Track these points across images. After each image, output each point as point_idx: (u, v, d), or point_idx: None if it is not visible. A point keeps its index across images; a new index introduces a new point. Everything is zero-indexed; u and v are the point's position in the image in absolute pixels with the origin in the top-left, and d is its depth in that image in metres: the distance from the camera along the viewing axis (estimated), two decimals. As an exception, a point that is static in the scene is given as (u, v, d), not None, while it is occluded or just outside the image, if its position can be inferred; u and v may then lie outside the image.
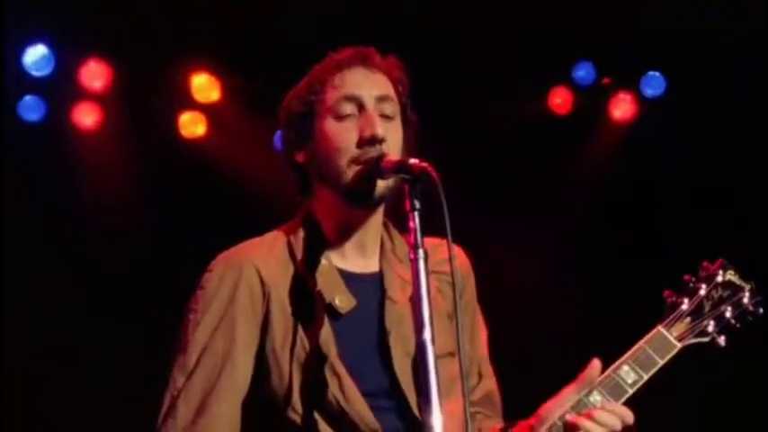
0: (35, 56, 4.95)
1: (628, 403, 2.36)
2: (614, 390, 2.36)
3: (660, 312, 2.49)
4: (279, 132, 2.50)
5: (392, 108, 2.37)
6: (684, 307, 2.48)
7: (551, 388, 2.38)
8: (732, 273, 2.54)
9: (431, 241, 2.16)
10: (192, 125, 5.25)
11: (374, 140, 2.30)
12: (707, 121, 5.25)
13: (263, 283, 2.31)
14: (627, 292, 4.94)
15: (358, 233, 2.39)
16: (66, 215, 5.07)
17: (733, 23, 4.96)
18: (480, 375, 2.50)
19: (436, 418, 2.01)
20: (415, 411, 2.27)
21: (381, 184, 2.31)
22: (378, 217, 2.41)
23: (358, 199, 2.34)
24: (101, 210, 5.10)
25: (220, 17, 4.84)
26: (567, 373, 2.39)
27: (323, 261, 2.35)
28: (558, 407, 2.33)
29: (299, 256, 2.35)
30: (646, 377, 2.39)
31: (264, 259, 2.34)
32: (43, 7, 4.74)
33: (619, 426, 2.31)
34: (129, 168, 5.12)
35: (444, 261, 2.19)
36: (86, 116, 5.09)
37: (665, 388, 2.51)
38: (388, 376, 2.30)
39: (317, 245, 2.37)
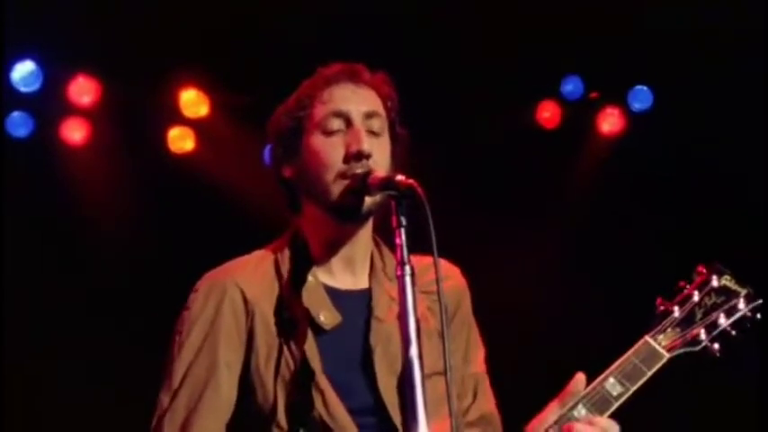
0: (23, 72, 4.96)
1: (615, 415, 2.34)
2: (599, 403, 2.33)
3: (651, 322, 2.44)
4: (268, 147, 2.51)
5: (380, 124, 2.38)
6: (675, 315, 2.42)
7: (550, 395, 2.38)
8: (728, 278, 2.47)
9: (423, 260, 2.16)
10: (180, 140, 5.25)
11: (360, 156, 2.31)
12: (694, 134, 5.28)
13: (246, 301, 2.33)
14: (615, 307, 4.95)
15: (346, 249, 2.39)
16: (54, 231, 5.05)
17: (720, 37, 4.99)
18: (476, 395, 2.47)
19: (423, 434, 2.01)
20: (399, 430, 2.27)
21: (368, 200, 2.32)
22: (366, 233, 2.42)
23: (345, 214, 2.35)
24: (90, 225, 5.10)
25: (209, 32, 4.85)
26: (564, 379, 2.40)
27: (309, 278, 2.35)
28: (543, 424, 2.33)
29: (285, 273, 2.36)
30: (632, 389, 2.34)
31: (249, 278, 2.35)
32: (31, 23, 4.74)
33: None
34: (117, 184, 5.12)
35: (432, 281, 2.16)
36: (75, 132, 5.10)
37: (656, 395, 2.47)
38: (372, 394, 2.30)
39: (303, 262, 2.37)
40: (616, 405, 2.34)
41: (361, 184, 2.29)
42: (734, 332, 2.43)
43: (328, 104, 2.35)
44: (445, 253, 2.17)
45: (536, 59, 5.22)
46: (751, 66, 4.97)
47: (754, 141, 5.12)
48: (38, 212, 5.01)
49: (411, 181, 2.15)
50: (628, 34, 5.06)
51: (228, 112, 5.23)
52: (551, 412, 2.33)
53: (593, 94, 5.51)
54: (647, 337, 2.39)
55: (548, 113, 5.51)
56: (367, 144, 2.32)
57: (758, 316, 2.43)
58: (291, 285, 2.34)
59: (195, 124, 5.25)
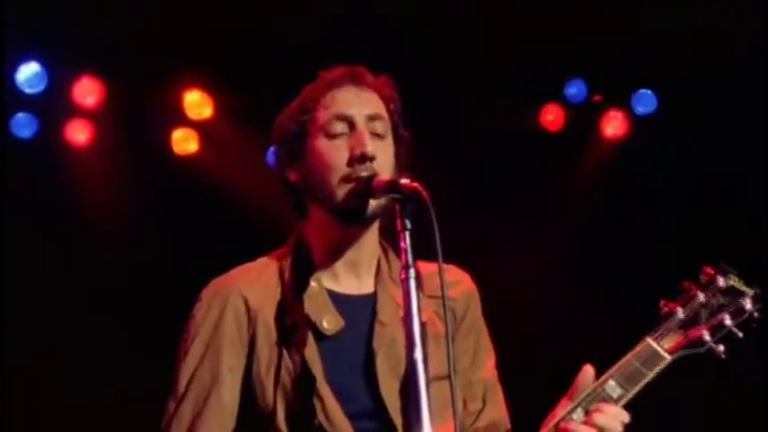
0: (28, 73, 4.95)
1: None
2: None
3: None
4: (272, 149, 2.51)
5: (383, 126, 2.38)
6: (679, 316, 2.38)
7: (551, 395, 2.37)
8: (734, 278, 2.42)
9: (432, 266, 2.16)
10: (184, 142, 5.25)
11: (364, 158, 2.31)
12: (698, 137, 5.28)
13: (248, 309, 2.35)
14: (617, 309, 4.91)
15: (351, 253, 2.39)
16: (58, 232, 5.05)
17: (725, 40, 4.98)
18: (485, 401, 2.46)
19: (427, 437, 2.01)
20: None
21: (373, 203, 2.32)
22: (371, 237, 2.42)
23: (349, 217, 2.35)
24: (93, 226, 5.09)
25: (213, 34, 4.84)
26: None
27: (312, 283, 2.36)
28: (553, 421, 2.29)
29: (288, 279, 2.37)
30: (632, 392, 2.31)
31: (252, 285, 2.37)
32: (36, 25, 4.74)
33: None
34: (121, 185, 5.12)
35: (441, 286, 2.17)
36: (79, 133, 5.10)
37: (661, 395, 2.45)
38: (374, 398, 2.30)
39: (307, 267, 2.38)
40: None
41: (365, 188, 2.30)
42: (740, 333, 2.38)
43: (331, 108, 2.36)
44: (448, 255, 2.15)
45: (540, 62, 5.22)
46: (755, 68, 4.97)
47: (758, 144, 5.12)
48: (41, 213, 5.01)
49: (416, 184, 2.16)
50: (632, 37, 5.06)
51: (232, 113, 5.23)
52: (562, 407, 2.30)
53: (597, 98, 5.52)
54: (648, 339, 2.35)
55: (551, 116, 5.52)
56: (371, 146, 2.32)
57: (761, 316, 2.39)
58: (294, 291, 2.35)
59: (199, 126, 5.25)
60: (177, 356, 2.37)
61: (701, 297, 2.39)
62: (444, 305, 2.09)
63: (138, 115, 5.11)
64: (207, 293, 2.38)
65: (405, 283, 2.09)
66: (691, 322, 2.38)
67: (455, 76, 5.17)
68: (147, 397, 2.45)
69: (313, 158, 2.36)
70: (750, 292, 2.40)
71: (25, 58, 4.93)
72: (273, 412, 2.28)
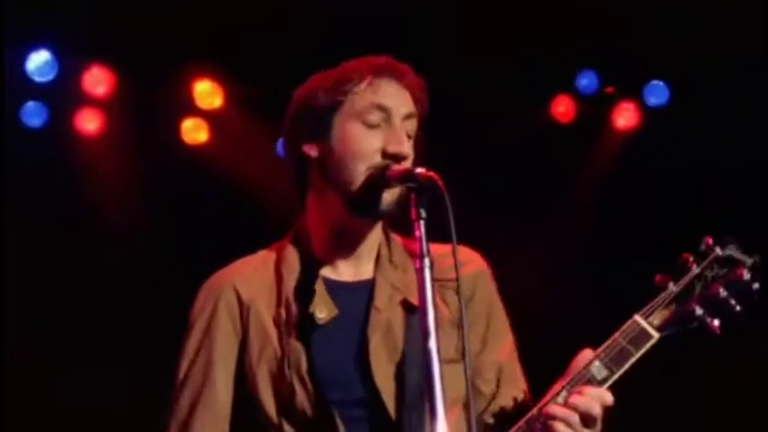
0: (38, 61, 4.94)
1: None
2: None
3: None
4: (282, 140, 2.48)
5: (413, 127, 2.38)
6: (671, 289, 2.23)
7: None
8: (733, 247, 2.26)
9: (438, 248, 2.13)
10: (194, 131, 5.25)
11: (398, 157, 2.30)
12: (711, 130, 5.23)
13: (240, 301, 2.37)
14: (630, 302, 4.92)
15: (353, 243, 2.39)
16: (68, 221, 5.04)
17: (738, 30, 4.93)
18: (499, 384, 2.42)
19: (441, 429, 1.99)
20: (393, 421, 2.26)
21: (387, 197, 2.30)
22: (377, 230, 2.41)
23: (361, 208, 2.33)
24: (103, 215, 5.07)
25: (223, 23, 4.81)
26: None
27: (309, 272, 2.36)
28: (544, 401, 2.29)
29: (285, 270, 2.38)
30: (618, 373, 2.21)
31: (247, 278, 2.39)
32: (46, 13, 4.73)
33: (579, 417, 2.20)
34: (131, 174, 5.11)
35: (448, 268, 2.16)
36: (89, 122, 5.09)
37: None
38: (366, 385, 2.29)
39: (304, 257, 2.38)
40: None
41: (379, 177, 2.28)
42: (737, 306, 2.20)
43: (373, 96, 2.33)
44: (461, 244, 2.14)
45: (551, 53, 5.18)
46: (770, 60, 4.94)
47: (774, 138, 5.10)
48: (51, 202, 4.99)
49: (432, 173, 2.15)
50: (644, 28, 5.02)
51: (243, 103, 5.20)
52: (551, 391, 2.28)
53: (609, 89, 5.48)
54: (636, 316, 2.24)
55: (562, 108, 5.49)
56: (407, 147, 2.32)
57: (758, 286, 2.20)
58: (290, 282, 2.36)
59: (209, 115, 5.24)
60: (178, 350, 2.43)
61: (696, 269, 2.23)
62: (459, 288, 2.09)
63: (149, 104, 5.09)
64: (202, 291, 2.42)
65: (420, 272, 2.08)
66: (683, 296, 2.23)
67: (462, 68, 5.10)
68: (148, 397, 2.52)
69: (343, 140, 2.32)
70: (749, 261, 2.24)
71: (35, 47, 4.92)
72: (264, 402, 2.31)
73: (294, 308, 2.32)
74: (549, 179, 5.38)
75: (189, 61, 5.10)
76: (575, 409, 2.20)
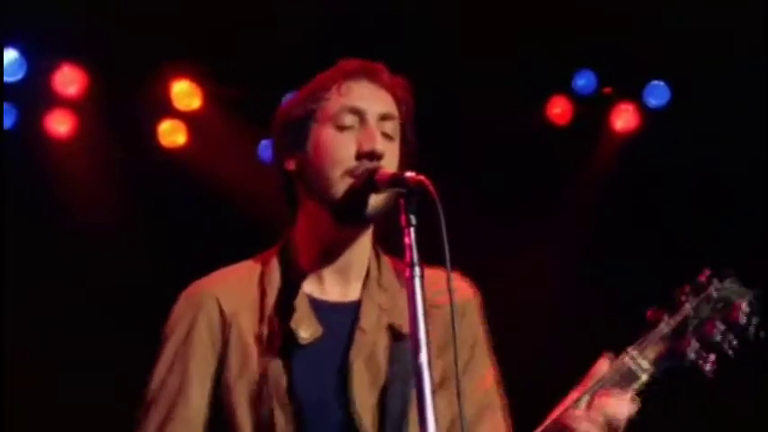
0: (6, 60, 4.90)
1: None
2: None
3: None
4: (263, 143, 2.51)
5: (393, 128, 2.37)
6: (663, 326, 2.24)
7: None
8: (731, 281, 2.25)
9: (429, 271, 2.11)
10: (171, 134, 5.23)
11: (373, 155, 2.30)
12: (713, 132, 5.23)
13: (222, 315, 2.34)
14: (625, 310, 4.93)
15: (342, 255, 2.37)
16: (39, 225, 5.02)
17: (741, 29, 4.94)
18: (479, 416, 2.39)
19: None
20: None
21: (373, 202, 2.29)
22: (365, 240, 2.39)
23: (347, 215, 2.32)
24: (76, 221, 5.06)
25: (202, 20, 4.78)
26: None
27: (294, 289, 2.35)
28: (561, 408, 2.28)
29: (269, 285, 2.36)
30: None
31: (230, 290, 2.36)
32: (14, 9, 4.71)
33: None
34: (105, 179, 5.09)
35: (440, 292, 2.14)
36: (60, 124, 5.06)
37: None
38: (346, 411, 2.28)
39: (290, 272, 2.37)
40: None
41: (367, 181, 2.27)
42: (731, 345, 2.21)
43: (344, 99, 2.34)
44: (450, 255, 2.12)
45: (546, 52, 5.17)
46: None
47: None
48: (20, 208, 4.96)
49: (422, 177, 2.13)
50: (644, 25, 5.00)
51: (222, 104, 5.19)
52: (570, 399, 2.26)
53: (607, 90, 5.47)
54: (629, 350, 2.24)
55: (558, 109, 5.48)
56: (381, 144, 2.31)
57: (755, 325, 2.19)
58: (274, 298, 2.34)
59: (187, 117, 5.22)
60: (153, 361, 2.40)
61: (692, 303, 2.24)
62: (452, 304, 2.06)
63: (123, 106, 5.07)
64: (181, 299, 2.39)
65: (410, 282, 2.07)
66: (676, 333, 2.24)
67: (455, 68, 5.13)
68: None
69: (317, 148, 2.34)
70: (746, 297, 2.23)
71: (3, 45, 4.88)
72: (240, 423, 2.29)
73: (277, 325, 2.30)
74: (544, 184, 5.38)
75: (166, 60, 5.08)
76: (601, 412, 2.21)
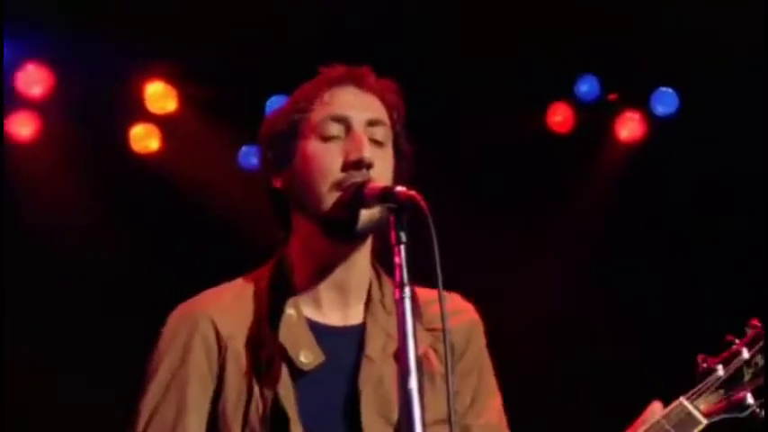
0: (-35, 59, 4.88)
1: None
2: None
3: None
4: (244, 149, 2.49)
5: (384, 134, 2.35)
6: (719, 374, 2.37)
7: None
8: None
9: (429, 293, 2.15)
10: (144, 139, 5.19)
11: (360, 164, 2.27)
12: (723, 142, 5.20)
13: (219, 338, 2.31)
14: (631, 327, 5.07)
15: (338, 274, 2.34)
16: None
17: (753, 35, 4.92)
18: None
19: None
20: None
21: (365, 215, 2.27)
22: (362, 257, 2.36)
23: (338, 230, 2.29)
24: (39, 230, 5.00)
25: (178, 16, 4.74)
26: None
27: (291, 311, 2.32)
28: None
29: (264, 306, 2.34)
30: None
31: (224, 311, 2.33)
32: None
33: None
34: (71, 186, 5.05)
35: (452, 313, 2.18)
36: (23, 126, 5.03)
37: None
38: None
39: (285, 293, 2.34)
40: None
41: (356, 195, 2.25)
42: None
43: (328, 107, 2.34)
44: (448, 269, 2.09)
45: (547, 55, 5.14)
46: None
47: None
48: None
49: (413, 192, 2.11)
50: (651, 29, 4.99)
51: (200, 107, 5.16)
52: None
53: (612, 96, 5.45)
54: (682, 399, 2.34)
55: (559, 117, 5.46)
56: (368, 152, 2.28)
57: None
58: (269, 319, 2.31)
59: (161, 121, 5.18)
60: (139, 388, 2.35)
61: (746, 354, 2.36)
62: (444, 331, 2.04)
63: (92, 108, 5.03)
64: (173, 319, 2.35)
65: (399, 303, 2.04)
66: (732, 382, 2.37)
67: (454, 73, 5.13)
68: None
69: (302, 161, 2.32)
70: None
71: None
72: None
73: (275, 350, 2.28)
74: (544, 196, 5.35)
75: (139, 59, 5.04)
76: None
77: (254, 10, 4.75)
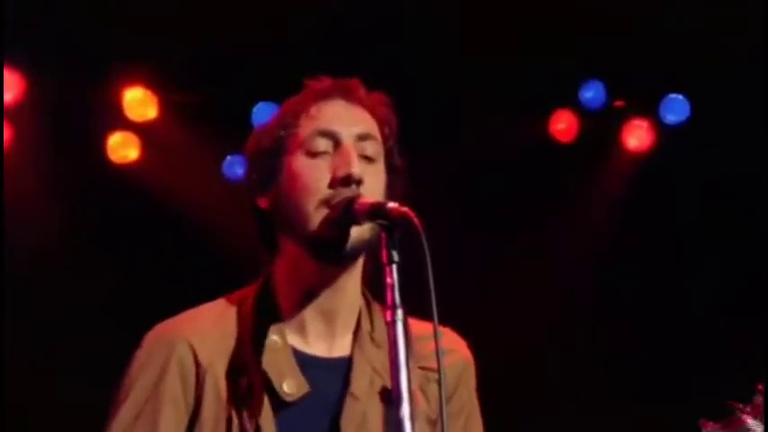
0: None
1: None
2: None
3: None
4: (228, 158, 2.47)
5: (374, 149, 2.32)
6: None
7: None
8: None
9: (422, 327, 2.13)
10: (123, 148, 5.18)
11: (350, 180, 2.24)
12: (735, 151, 5.18)
13: (197, 363, 2.27)
14: (639, 341, 5.14)
15: (325, 300, 2.31)
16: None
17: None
18: None
19: None
20: None
21: (355, 235, 2.23)
22: (351, 282, 2.33)
23: (326, 251, 2.26)
24: (11, 246, 4.96)
25: (159, 19, 4.72)
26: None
27: (274, 337, 2.28)
28: None
29: (247, 331, 2.30)
30: None
31: (204, 335, 2.29)
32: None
33: None
34: (44, 198, 5.03)
35: (431, 355, 2.12)
36: (-8, 135, 4.85)
37: None
38: None
39: (269, 318, 2.30)
40: None
41: (345, 212, 2.21)
42: None
43: (315, 122, 2.31)
44: (445, 281, 2.06)
45: (551, 61, 5.13)
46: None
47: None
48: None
49: (405, 209, 2.09)
50: (660, 33, 4.97)
51: (181, 114, 5.15)
52: None
53: (618, 103, 5.44)
54: None
55: (563, 125, 5.44)
56: (358, 167, 2.25)
57: None
58: (252, 345, 2.27)
59: (141, 129, 5.17)
60: (109, 412, 2.33)
61: (749, 421, 2.32)
62: (440, 372, 2.01)
63: (66, 115, 5.01)
64: (148, 341, 2.31)
65: (391, 326, 2.02)
66: None
67: (453, 79, 5.12)
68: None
69: (288, 179, 2.29)
70: None
71: None
72: None
73: (257, 378, 2.25)
74: (547, 207, 5.35)
75: (117, 63, 5.03)
76: None
77: (241, 11, 4.75)
